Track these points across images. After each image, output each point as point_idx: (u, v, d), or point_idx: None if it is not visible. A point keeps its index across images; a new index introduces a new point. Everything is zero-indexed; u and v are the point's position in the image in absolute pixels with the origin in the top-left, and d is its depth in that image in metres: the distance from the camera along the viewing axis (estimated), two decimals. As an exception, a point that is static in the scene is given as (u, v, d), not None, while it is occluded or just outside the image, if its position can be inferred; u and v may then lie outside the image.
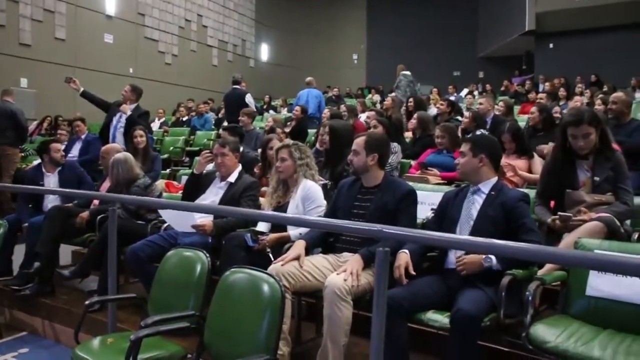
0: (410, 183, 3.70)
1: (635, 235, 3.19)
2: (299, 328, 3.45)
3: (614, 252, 2.68)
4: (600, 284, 2.61)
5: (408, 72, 10.16)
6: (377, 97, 14.48)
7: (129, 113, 6.76)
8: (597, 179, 3.27)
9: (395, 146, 5.18)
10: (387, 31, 21.05)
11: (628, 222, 3.28)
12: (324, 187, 4.03)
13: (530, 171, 4.47)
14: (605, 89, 10.69)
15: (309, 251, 3.16)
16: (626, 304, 2.53)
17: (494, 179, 3.01)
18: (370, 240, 2.94)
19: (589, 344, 2.34)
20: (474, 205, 2.95)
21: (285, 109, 13.74)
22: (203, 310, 2.74)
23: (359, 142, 3.30)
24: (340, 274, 2.84)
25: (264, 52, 21.67)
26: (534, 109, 5.89)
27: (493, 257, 2.66)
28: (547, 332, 2.43)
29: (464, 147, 3.05)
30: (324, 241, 3.30)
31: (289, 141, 3.90)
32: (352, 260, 2.92)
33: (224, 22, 19.27)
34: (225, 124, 8.28)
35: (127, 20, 15.10)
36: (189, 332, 2.65)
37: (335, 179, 4.36)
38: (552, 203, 3.42)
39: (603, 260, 1.68)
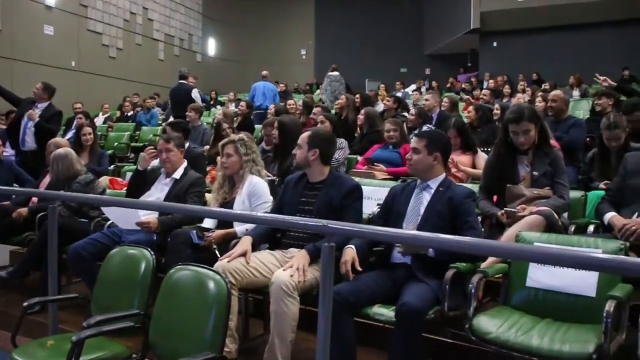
0: (357, 178, 3.74)
1: (572, 228, 3.32)
2: (247, 325, 3.43)
3: (552, 244, 2.79)
4: (539, 276, 2.71)
5: (334, 73, 10.46)
6: (325, 93, 14.48)
7: (36, 120, 6.48)
8: (536, 173, 3.39)
9: (342, 142, 5.22)
10: (335, 27, 21.11)
11: (565, 215, 3.42)
12: (271, 182, 4.02)
13: (474, 166, 4.57)
14: (546, 86, 11.03)
15: (255, 247, 3.14)
16: (563, 294, 2.64)
17: (443, 175, 3.06)
18: (317, 236, 2.94)
19: (528, 333, 2.42)
20: (421, 201, 2.99)
21: (233, 104, 13.61)
22: (148, 309, 2.69)
23: (303, 136, 3.33)
24: (286, 269, 2.84)
25: (211, 46, 21.39)
26: (470, 107, 6.07)
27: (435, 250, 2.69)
28: (489, 323, 2.50)
29: (418, 144, 3.04)
30: (270, 237, 3.29)
31: (234, 136, 3.86)
32: (298, 256, 2.92)
33: (170, 16, 18.91)
34: (172, 119, 8.15)
35: (69, 11, 14.61)
36: (134, 331, 2.59)
37: (282, 175, 4.35)
38: (495, 197, 3.52)
39: (542, 253, 1.74)
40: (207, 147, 6.33)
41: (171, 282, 2.57)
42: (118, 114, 12.56)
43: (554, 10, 14.88)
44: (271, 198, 3.66)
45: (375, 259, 3.07)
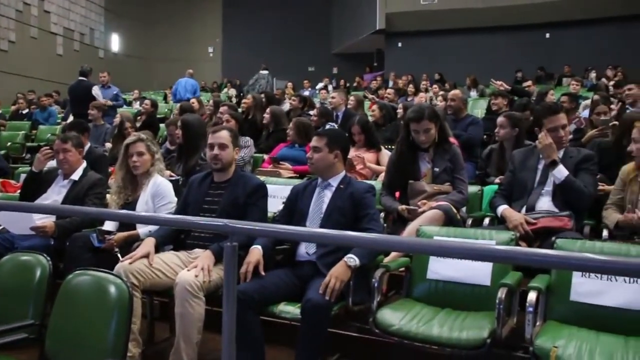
0: (263, 177, 3.74)
1: (469, 221, 3.50)
2: (152, 328, 3.34)
3: (451, 237, 2.93)
4: (439, 268, 2.84)
5: (263, 72, 10.66)
6: (232, 92, 14.33)
7: None
8: (436, 170, 3.55)
9: (247, 140, 5.20)
10: (242, 25, 20.93)
11: (464, 209, 3.59)
12: (175, 183, 3.94)
13: (378, 163, 4.68)
14: (447, 86, 11.49)
15: (159, 248, 3.08)
16: (461, 284, 2.79)
17: (343, 173, 3.12)
18: (222, 236, 2.91)
19: (429, 324, 2.54)
20: (323, 199, 3.03)
21: (139, 102, 13.15)
22: (45, 318, 2.55)
23: (226, 136, 3.27)
24: (191, 270, 2.81)
25: (115, 42, 20.61)
26: (375, 106, 6.23)
27: (354, 256, 2.68)
28: (392, 316, 2.59)
29: (319, 142, 3.07)
30: (174, 238, 3.23)
31: (141, 135, 3.73)
32: (202, 256, 2.89)
33: (70, 9, 18.01)
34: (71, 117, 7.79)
35: (-49, -1, 13.60)
36: (29, 343, 2.46)
37: (187, 174, 4.26)
38: (398, 194, 3.63)
39: (441, 247, 1.81)
40: (109, 145, 6.11)
41: (69, 288, 2.46)
42: (12, 111, 11.80)
43: (454, 14, 15.63)
44: (175, 199, 3.59)
45: (281, 257, 3.09)
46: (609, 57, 13.30)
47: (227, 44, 21.62)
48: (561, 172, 3.23)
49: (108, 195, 3.89)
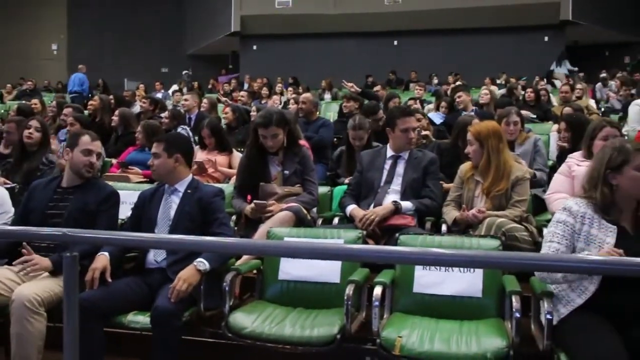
0: (111, 182, 3.59)
1: (320, 221, 3.61)
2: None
3: (302, 238, 2.99)
4: (290, 268, 2.90)
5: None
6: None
7: None
8: (286, 172, 3.63)
9: (98, 143, 4.94)
10: (91, 22, 19.74)
11: (314, 209, 3.69)
12: (11, 190, 3.62)
13: (230, 166, 4.66)
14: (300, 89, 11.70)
15: (-10, 264, 2.82)
16: (312, 283, 2.87)
17: (189, 177, 3.06)
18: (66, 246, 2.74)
19: (281, 324, 2.59)
20: (171, 205, 2.97)
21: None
22: None
23: (100, 144, 3.14)
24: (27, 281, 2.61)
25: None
26: (227, 109, 6.22)
27: (203, 260, 2.66)
28: (244, 319, 2.61)
29: (157, 148, 2.99)
30: (10, 250, 2.96)
31: None
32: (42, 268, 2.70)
33: None
34: None
35: None
36: None
37: (27, 180, 3.94)
38: (249, 196, 3.64)
39: (290, 248, 1.85)
40: None
41: None
42: None
43: (308, 18, 16.14)
44: (12, 209, 3.29)
45: (133, 264, 2.97)
46: (450, 64, 14.43)
47: (73, 42, 20.24)
48: (407, 208, 3.43)
49: None
